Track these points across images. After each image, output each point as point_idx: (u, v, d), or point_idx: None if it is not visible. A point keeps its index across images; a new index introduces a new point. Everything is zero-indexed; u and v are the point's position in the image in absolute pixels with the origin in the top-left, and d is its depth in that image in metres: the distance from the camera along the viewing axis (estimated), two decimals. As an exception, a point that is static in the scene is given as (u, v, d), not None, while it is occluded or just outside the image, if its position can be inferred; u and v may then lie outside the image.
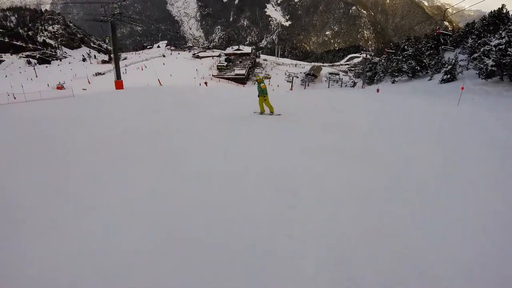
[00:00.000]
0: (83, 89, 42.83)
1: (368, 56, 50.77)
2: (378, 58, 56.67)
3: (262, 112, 10.80)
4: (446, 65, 29.51)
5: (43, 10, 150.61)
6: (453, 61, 28.88)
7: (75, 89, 44.60)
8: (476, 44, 30.23)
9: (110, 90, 26.34)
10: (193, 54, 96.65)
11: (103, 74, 69.69)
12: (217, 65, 79.38)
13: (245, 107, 12.81)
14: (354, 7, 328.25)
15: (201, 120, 9.76)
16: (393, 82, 41.76)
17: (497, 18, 31.94)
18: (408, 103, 18.13)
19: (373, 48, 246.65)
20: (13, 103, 20.61)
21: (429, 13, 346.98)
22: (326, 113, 12.58)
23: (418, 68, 38.55)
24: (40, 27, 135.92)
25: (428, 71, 37.70)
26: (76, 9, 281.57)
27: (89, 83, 52.72)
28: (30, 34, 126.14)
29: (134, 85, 32.56)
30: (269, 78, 73.01)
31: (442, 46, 40.03)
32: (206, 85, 37.04)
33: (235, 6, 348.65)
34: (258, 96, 10.60)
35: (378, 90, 33.45)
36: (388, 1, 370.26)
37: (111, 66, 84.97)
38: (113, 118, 10.76)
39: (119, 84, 28.55)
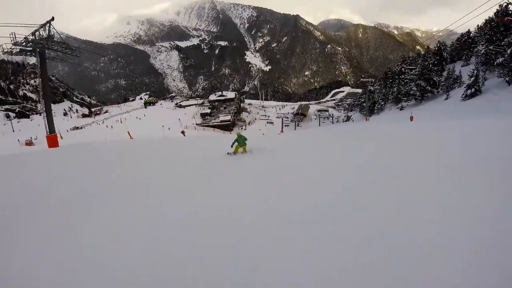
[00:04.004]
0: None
1: (369, 84, 47.35)
2: (359, 90, 53.63)
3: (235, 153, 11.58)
4: (470, 78, 26.17)
5: (25, 64, 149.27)
6: (475, 72, 25.50)
7: (44, 145, 41.02)
8: (492, 50, 27.31)
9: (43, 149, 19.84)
10: (176, 104, 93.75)
11: (81, 128, 64.80)
12: (201, 113, 76.94)
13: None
14: (329, 46, 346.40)
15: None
16: (401, 109, 38.19)
17: (507, 15, 28.22)
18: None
19: (352, 82, 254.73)
20: None
21: (400, 40, 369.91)
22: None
23: (429, 88, 35.22)
24: (22, 80, 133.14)
25: (439, 90, 34.47)
26: (61, 64, 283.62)
27: (62, 138, 47.63)
28: (12, 88, 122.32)
29: (98, 139, 27.21)
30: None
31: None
32: (184, 135, 32.42)
33: (216, 56, 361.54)
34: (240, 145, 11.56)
35: (412, 118, 25.57)
36: (360, 35, 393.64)
37: (91, 119, 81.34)
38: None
39: (52, 141, 20.08)
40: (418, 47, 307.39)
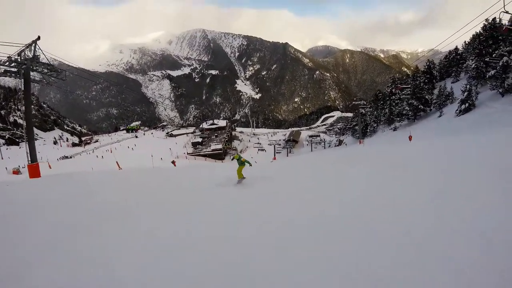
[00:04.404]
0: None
1: (361, 106, 48.06)
2: (349, 114, 54.30)
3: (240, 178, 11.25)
4: (463, 93, 26.72)
5: (17, 89, 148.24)
6: (468, 86, 26.05)
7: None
8: (482, 63, 28.15)
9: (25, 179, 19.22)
10: (167, 133, 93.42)
11: (70, 157, 63.32)
12: (192, 142, 76.65)
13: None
14: (317, 72, 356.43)
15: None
16: (394, 130, 38.54)
17: (495, 30, 28.71)
18: None
19: (341, 106, 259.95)
20: None
21: (386, 63, 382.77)
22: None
23: (421, 107, 35.74)
24: (13, 106, 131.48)
25: (431, 108, 35.00)
26: (53, 91, 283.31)
27: (50, 167, 46.21)
28: (2, 114, 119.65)
29: (87, 169, 26.31)
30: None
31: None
32: (174, 165, 31.94)
33: (206, 85, 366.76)
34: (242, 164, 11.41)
35: (410, 138, 24.59)
36: (347, 60, 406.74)
37: (81, 149, 79.95)
38: None
39: (33, 170, 18.52)
40: (404, 68, 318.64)
